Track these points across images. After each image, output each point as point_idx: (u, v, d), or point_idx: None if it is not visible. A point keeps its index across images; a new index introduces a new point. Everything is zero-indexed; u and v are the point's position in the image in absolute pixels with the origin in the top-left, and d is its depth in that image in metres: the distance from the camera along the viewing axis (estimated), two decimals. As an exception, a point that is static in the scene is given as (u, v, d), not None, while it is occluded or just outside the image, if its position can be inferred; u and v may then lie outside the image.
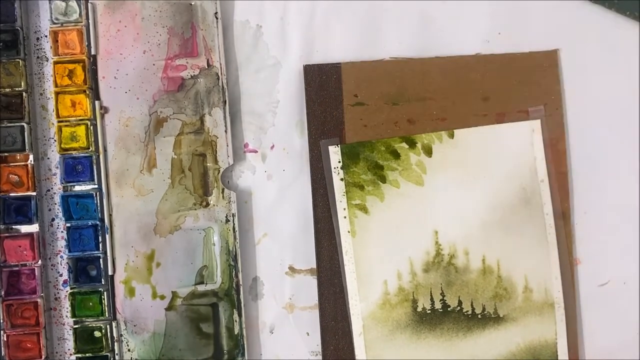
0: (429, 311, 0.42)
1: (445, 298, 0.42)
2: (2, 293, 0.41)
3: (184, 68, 0.42)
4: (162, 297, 0.41)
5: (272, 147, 0.43)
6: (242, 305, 0.41)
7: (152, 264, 0.41)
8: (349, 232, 0.42)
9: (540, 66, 0.42)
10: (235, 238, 0.41)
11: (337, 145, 0.42)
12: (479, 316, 0.42)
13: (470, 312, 0.42)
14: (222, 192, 0.42)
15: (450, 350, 0.42)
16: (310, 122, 0.42)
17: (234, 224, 0.41)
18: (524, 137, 0.42)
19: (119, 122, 0.41)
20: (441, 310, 0.42)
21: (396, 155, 0.42)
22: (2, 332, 0.41)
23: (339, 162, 0.42)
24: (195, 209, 0.42)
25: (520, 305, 0.42)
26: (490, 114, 0.42)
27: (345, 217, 0.42)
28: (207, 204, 0.42)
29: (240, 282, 0.41)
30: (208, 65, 0.42)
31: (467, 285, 0.42)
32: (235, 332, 0.41)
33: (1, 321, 0.41)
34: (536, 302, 0.42)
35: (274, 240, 0.43)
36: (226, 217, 0.42)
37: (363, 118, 0.42)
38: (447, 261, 0.42)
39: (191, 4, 0.42)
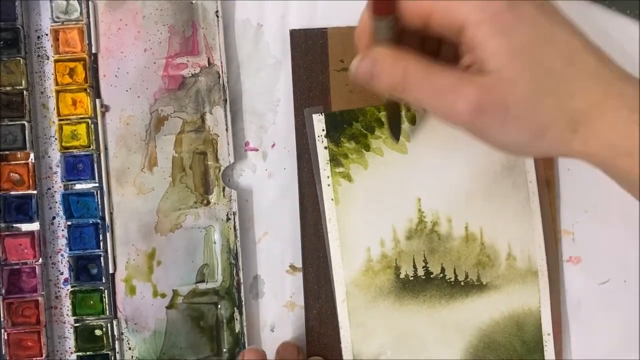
0: (412, 278, 0.42)
1: (427, 265, 0.42)
2: (3, 291, 0.41)
3: (184, 66, 0.42)
4: (163, 296, 0.41)
5: (273, 145, 0.43)
6: (243, 303, 0.41)
7: (152, 263, 0.41)
8: (332, 199, 0.42)
9: None
10: (236, 236, 0.41)
11: (321, 113, 0.42)
12: (462, 283, 0.42)
13: (453, 279, 0.42)
14: (223, 190, 0.42)
15: (433, 317, 0.42)
16: (296, 88, 0.42)
17: (234, 223, 0.42)
18: None
19: (120, 120, 0.42)
20: (424, 277, 0.42)
21: (380, 123, 0.42)
22: (2, 330, 0.41)
23: (323, 130, 0.42)
24: (196, 208, 0.42)
25: (503, 272, 0.42)
26: None
27: (329, 185, 0.42)
28: (208, 203, 0.42)
29: (241, 281, 0.41)
30: (209, 63, 0.42)
31: (449, 252, 0.42)
32: (236, 331, 0.41)
33: (2, 319, 0.41)
34: (519, 270, 0.42)
35: (274, 238, 0.43)
36: (227, 215, 0.42)
37: (349, 84, 0.42)
38: (429, 228, 0.42)
39: (192, 3, 0.42)
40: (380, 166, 0.42)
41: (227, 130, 0.42)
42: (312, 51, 0.42)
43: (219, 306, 0.41)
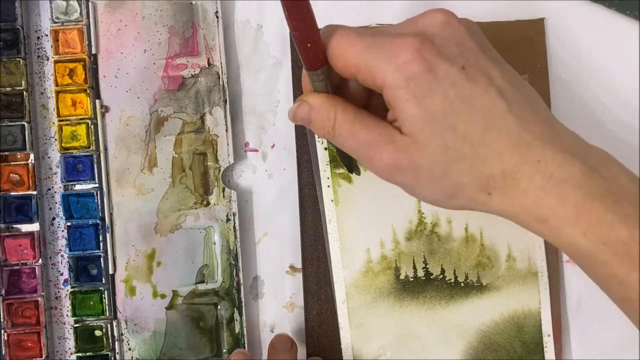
0: (412, 279, 0.42)
1: (427, 266, 0.42)
2: (3, 292, 0.41)
3: (184, 67, 0.42)
4: (163, 296, 0.41)
5: (273, 146, 0.43)
6: (243, 304, 0.41)
7: (152, 263, 0.41)
8: (332, 200, 0.42)
9: (526, 35, 0.42)
10: (235, 237, 0.41)
11: None
12: (462, 284, 0.42)
13: (452, 281, 0.42)
14: (223, 191, 0.42)
15: (433, 318, 0.42)
16: (296, 88, 0.42)
17: (234, 223, 0.42)
18: None
19: (120, 121, 0.42)
20: (424, 278, 0.42)
21: None
22: (2, 331, 0.41)
23: None
24: (196, 208, 0.42)
25: (503, 273, 0.42)
26: None
27: (329, 186, 0.42)
28: (208, 203, 0.42)
29: (241, 281, 0.41)
30: (209, 64, 0.42)
31: (449, 253, 0.42)
32: (236, 331, 0.41)
33: (2, 320, 0.41)
34: (519, 271, 0.42)
35: (274, 239, 0.43)
36: (227, 216, 0.42)
37: None
38: (429, 229, 0.42)
39: (192, 3, 0.42)
40: None
41: (226, 131, 0.42)
42: None
43: (219, 307, 0.41)
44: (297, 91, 0.42)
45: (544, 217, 0.30)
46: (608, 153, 0.31)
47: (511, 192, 0.30)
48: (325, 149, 0.42)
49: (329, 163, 0.42)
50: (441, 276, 0.42)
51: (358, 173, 0.42)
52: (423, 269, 0.42)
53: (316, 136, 0.42)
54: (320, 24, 0.30)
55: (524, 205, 0.30)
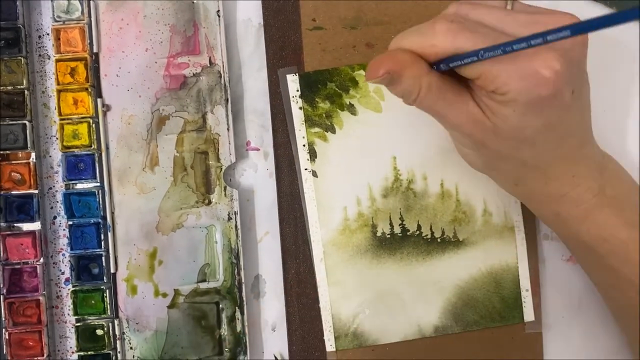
0: (389, 236, 0.42)
1: (404, 222, 0.42)
2: (4, 291, 0.41)
3: (186, 66, 0.42)
4: (164, 295, 0.41)
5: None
6: (244, 303, 0.41)
7: (154, 262, 0.41)
8: (308, 160, 0.42)
9: None
10: (237, 236, 0.41)
11: (295, 73, 0.42)
12: (439, 240, 0.42)
13: (429, 236, 0.42)
14: (224, 190, 0.42)
15: (411, 274, 0.42)
16: (269, 47, 0.42)
17: (236, 222, 0.42)
18: None
19: (121, 120, 0.41)
20: (400, 234, 0.42)
21: (354, 82, 0.42)
22: (4, 330, 0.40)
23: (297, 90, 0.42)
24: (198, 207, 0.42)
25: (479, 228, 0.42)
26: None
27: (304, 146, 0.42)
28: (209, 202, 0.42)
29: (243, 280, 0.41)
30: (210, 63, 0.42)
31: (425, 209, 0.42)
32: (238, 330, 0.41)
33: (3, 319, 0.40)
34: (496, 226, 0.42)
35: (276, 238, 0.43)
36: (228, 215, 0.42)
37: (321, 42, 0.42)
38: (405, 186, 0.42)
39: (193, 2, 0.42)
40: (355, 125, 0.42)
41: (228, 129, 0.42)
42: (283, 10, 0.42)
43: (221, 306, 0.41)
44: (270, 51, 0.42)
45: (558, 213, 0.35)
46: (621, 166, 0.37)
47: (539, 192, 0.35)
48: (300, 108, 0.42)
49: (304, 122, 0.42)
50: (418, 232, 0.42)
51: (333, 131, 0.42)
52: (400, 225, 0.42)
53: (290, 95, 0.42)
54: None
55: (542, 204, 0.35)
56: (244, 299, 0.41)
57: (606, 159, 0.36)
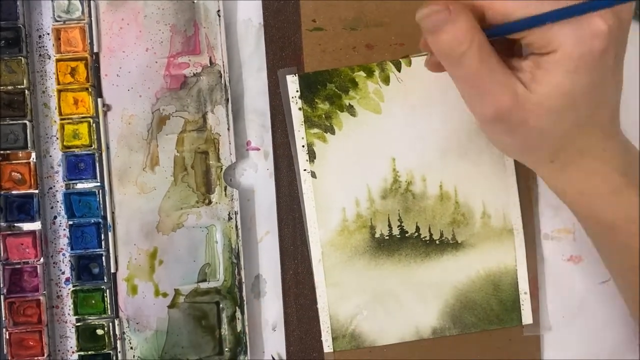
0: (387, 237, 0.42)
1: (402, 224, 0.42)
2: (5, 291, 0.41)
3: (186, 66, 0.42)
4: (165, 295, 0.41)
5: (275, 145, 0.43)
6: (245, 302, 0.41)
7: (154, 262, 0.41)
8: (307, 160, 0.42)
9: None
10: (237, 236, 0.41)
11: (295, 74, 0.42)
12: (437, 242, 0.42)
13: (428, 238, 0.42)
14: (225, 190, 0.42)
15: (409, 276, 0.42)
16: (269, 48, 0.42)
17: (236, 222, 0.42)
18: None
19: (122, 119, 0.42)
20: (399, 236, 0.42)
21: (354, 84, 0.42)
22: (4, 329, 0.41)
23: (297, 91, 0.42)
24: (198, 207, 0.42)
25: (478, 231, 0.42)
26: None
27: (303, 146, 0.42)
28: (210, 202, 0.42)
29: (243, 280, 0.41)
30: (210, 63, 0.42)
31: (424, 211, 0.42)
32: (238, 330, 0.41)
33: (3, 319, 0.41)
34: (495, 228, 0.42)
35: (276, 238, 0.43)
36: (229, 214, 0.42)
37: (321, 43, 0.42)
38: (404, 188, 0.42)
39: (194, 2, 0.42)
40: (354, 126, 0.42)
41: (228, 129, 0.42)
42: (283, 11, 0.42)
43: (221, 305, 0.41)
44: (270, 51, 0.42)
45: (583, 191, 0.34)
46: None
47: (569, 166, 0.34)
48: (300, 109, 0.42)
49: (303, 123, 0.42)
50: (416, 234, 0.42)
51: (332, 132, 0.42)
52: (398, 227, 0.42)
53: (290, 95, 0.42)
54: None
55: (570, 181, 0.35)
56: (244, 298, 0.41)
57: (628, 141, 0.35)
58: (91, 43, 0.41)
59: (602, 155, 0.33)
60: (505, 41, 0.32)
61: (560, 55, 0.30)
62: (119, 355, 0.41)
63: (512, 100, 0.31)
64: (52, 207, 0.42)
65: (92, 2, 0.41)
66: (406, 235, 0.42)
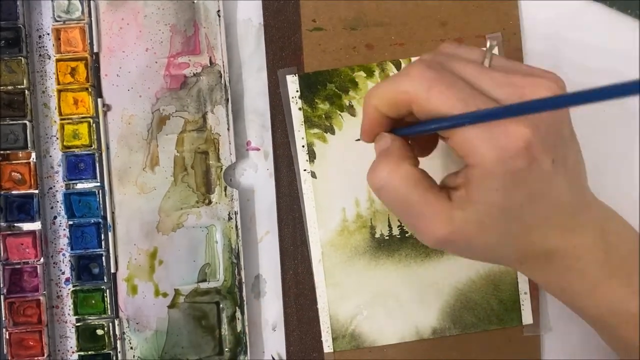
0: (387, 237, 0.42)
1: (402, 224, 0.42)
2: (4, 291, 0.41)
3: (186, 66, 0.42)
4: (165, 295, 0.41)
5: (275, 145, 0.43)
6: (245, 302, 0.41)
7: (154, 262, 0.41)
8: (307, 160, 0.42)
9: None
10: (237, 236, 0.41)
11: (295, 74, 0.42)
12: None
13: None
14: (225, 190, 0.42)
15: (409, 276, 0.42)
16: (269, 48, 0.42)
17: (236, 222, 0.42)
18: None
19: (122, 119, 0.42)
20: (399, 236, 0.42)
21: (354, 84, 0.42)
22: (4, 329, 0.41)
23: (297, 91, 0.42)
24: (198, 207, 0.42)
25: None
26: (447, 39, 0.42)
27: (303, 146, 0.42)
28: (210, 202, 0.42)
29: (243, 280, 0.41)
30: (210, 63, 0.42)
31: None
32: (238, 330, 0.41)
33: (3, 319, 0.41)
34: None
35: (276, 238, 0.43)
36: (229, 214, 0.42)
37: (321, 43, 0.42)
38: None
39: (194, 2, 0.42)
40: (354, 126, 0.42)
41: (228, 129, 0.42)
42: (283, 11, 0.42)
43: (221, 305, 0.41)
44: (270, 51, 0.42)
45: (563, 288, 0.33)
46: (627, 223, 0.34)
47: (541, 266, 0.33)
48: (300, 109, 0.42)
49: (303, 123, 0.42)
50: None
51: (332, 132, 0.42)
52: (398, 227, 0.42)
53: (290, 95, 0.42)
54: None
55: (548, 278, 0.33)
56: (244, 298, 0.41)
57: (609, 219, 0.34)
58: (91, 43, 0.41)
59: (572, 253, 0.32)
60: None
61: (482, 172, 0.29)
62: (119, 355, 0.41)
63: (448, 227, 0.30)
64: (52, 207, 0.42)
65: (92, 2, 0.41)
66: (406, 235, 0.42)
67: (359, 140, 0.35)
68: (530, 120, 0.28)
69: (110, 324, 0.41)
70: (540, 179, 0.29)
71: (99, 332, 0.41)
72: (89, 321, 0.41)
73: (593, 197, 0.33)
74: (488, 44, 0.31)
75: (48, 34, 0.42)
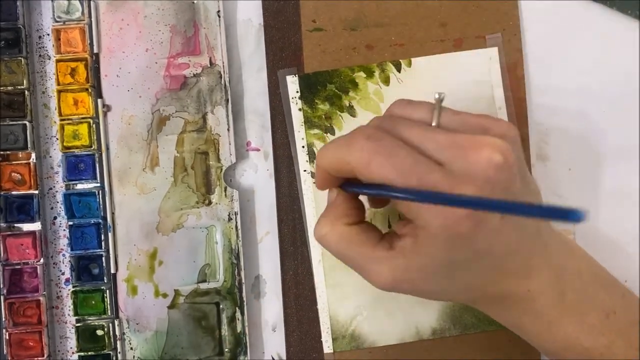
0: None
1: None
2: (4, 291, 0.41)
3: (186, 66, 0.42)
4: (165, 296, 0.41)
5: (275, 145, 0.43)
6: (245, 303, 0.41)
7: (154, 262, 0.41)
8: (307, 161, 0.42)
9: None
10: (237, 236, 0.41)
11: (295, 75, 0.42)
12: None
13: None
14: (225, 190, 0.42)
15: None
16: (269, 48, 0.42)
17: (236, 222, 0.42)
18: (481, 65, 0.42)
19: (122, 120, 0.41)
20: None
21: (354, 84, 0.42)
22: (4, 330, 0.41)
23: (297, 92, 0.42)
24: (198, 207, 0.42)
25: None
26: (447, 40, 0.42)
27: (303, 147, 0.42)
28: (210, 202, 0.42)
29: (243, 281, 0.41)
30: (210, 63, 0.42)
31: None
32: (238, 330, 0.41)
33: (3, 319, 0.41)
34: None
35: (276, 238, 0.43)
36: (228, 215, 0.42)
37: (321, 44, 0.42)
38: None
39: (193, 3, 0.42)
40: (354, 127, 0.42)
41: (228, 130, 0.42)
42: (283, 11, 0.42)
43: (221, 306, 0.41)
44: (270, 52, 0.42)
45: (519, 326, 0.34)
46: (585, 254, 0.35)
47: (495, 307, 0.34)
48: (300, 109, 0.42)
49: (303, 124, 0.42)
50: None
51: (332, 133, 0.42)
52: None
53: (290, 96, 0.42)
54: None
55: (503, 318, 0.34)
56: (244, 299, 0.41)
57: (567, 254, 0.34)
58: (91, 44, 0.41)
59: (526, 297, 0.32)
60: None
61: (428, 234, 0.29)
62: (119, 355, 0.41)
63: (391, 274, 0.31)
64: (52, 208, 0.42)
65: (92, 2, 0.41)
66: None
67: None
68: (475, 184, 0.28)
69: (110, 325, 0.41)
70: (486, 237, 0.29)
71: (99, 332, 0.41)
72: (89, 322, 0.41)
73: (550, 234, 0.33)
74: (436, 96, 0.31)
75: (48, 35, 0.42)
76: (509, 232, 0.30)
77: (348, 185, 0.34)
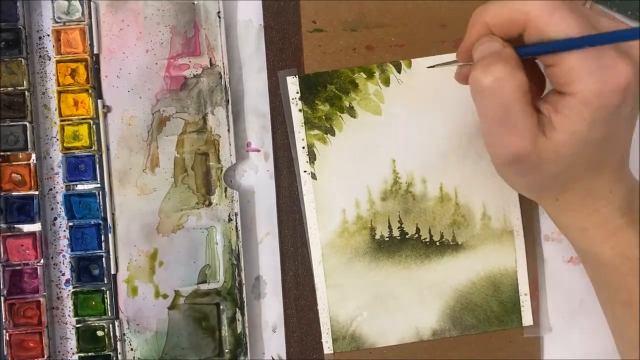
0: (387, 239, 0.42)
1: (403, 226, 0.42)
2: (5, 292, 0.41)
3: (186, 67, 0.42)
4: (165, 296, 0.41)
5: (275, 146, 0.43)
6: (245, 304, 0.41)
7: (154, 263, 0.41)
8: (307, 162, 0.42)
9: None
10: (237, 237, 0.41)
11: (295, 75, 0.42)
12: (437, 243, 0.42)
13: (428, 240, 0.42)
14: (225, 191, 0.42)
15: (409, 277, 0.42)
16: (269, 49, 0.42)
17: (236, 223, 0.42)
18: None
19: (122, 121, 0.41)
20: (399, 237, 0.42)
21: (354, 85, 0.42)
22: (4, 331, 0.41)
23: (297, 93, 0.42)
24: (198, 208, 0.42)
25: (478, 232, 0.42)
26: (447, 41, 0.42)
27: (303, 148, 0.42)
28: (210, 203, 0.42)
29: (243, 281, 0.41)
30: (211, 64, 0.42)
31: (424, 212, 0.42)
32: (238, 331, 0.41)
33: (3, 320, 0.41)
34: (495, 230, 0.42)
35: (276, 239, 0.43)
36: (229, 216, 0.42)
37: (322, 45, 0.42)
38: (404, 189, 0.42)
39: (194, 3, 0.42)
40: (354, 128, 0.42)
41: (228, 131, 0.42)
42: (284, 12, 0.42)
43: (221, 307, 0.41)
44: (270, 52, 0.42)
45: (585, 228, 0.34)
46: None
47: (574, 204, 0.34)
48: (300, 110, 0.42)
49: (303, 125, 0.42)
50: (416, 235, 0.42)
51: (332, 134, 0.42)
52: (398, 228, 0.42)
53: (290, 97, 0.42)
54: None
55: (573, 216, 0.35)
56: (245, 300, 0.41)
57: (634, 179, 0.36)
58: (91, 44, 0.41)
59: (607, 197, 0.33)
60: (535, 78, 0.33)
61: (578, 101, 0.29)
62: (119, 356, 0.41)
63: (532, 146, 0.31)
64: (52, 209, 0.42)
65: (92, 3, 0.41)
66: (406, 236, 0.42)
67: (432, 67, 0.36)
68: (635, 63, 0.29)
69: (111, 326, 0.41)
70: (618, 122, 0.30)
71: (99, 333, 0.41)
72: (89, 322, 0.41)
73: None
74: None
75: (48, 35, 0.42)
76: (629, 128, 0.32)
77: (522, 49, 0.31)
